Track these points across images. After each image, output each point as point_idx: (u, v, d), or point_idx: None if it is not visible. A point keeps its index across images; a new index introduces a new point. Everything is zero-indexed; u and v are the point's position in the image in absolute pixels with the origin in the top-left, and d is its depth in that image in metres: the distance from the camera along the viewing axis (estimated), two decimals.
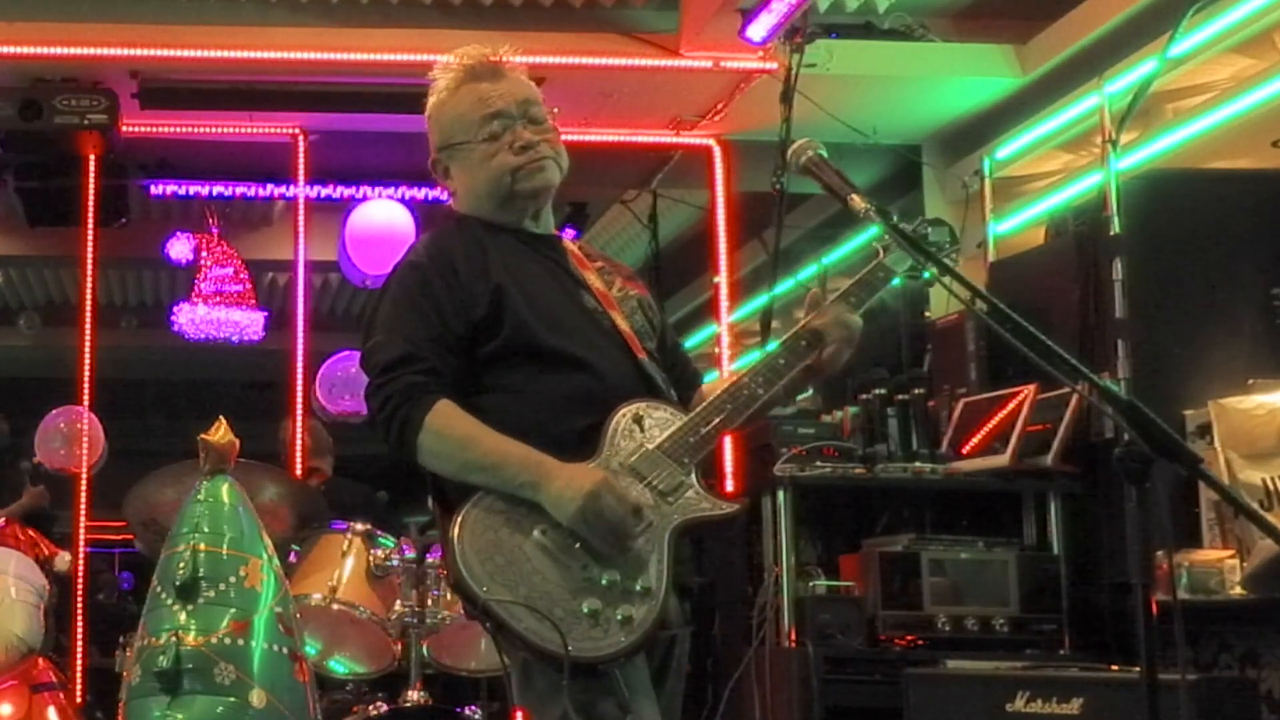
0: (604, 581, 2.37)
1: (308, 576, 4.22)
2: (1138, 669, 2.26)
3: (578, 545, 2.39)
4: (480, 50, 2.67)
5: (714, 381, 2.82)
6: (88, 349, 6.36)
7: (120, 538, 8.30)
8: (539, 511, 2.41)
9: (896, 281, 2.73)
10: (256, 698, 3.05)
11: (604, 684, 2.35)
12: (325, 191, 6.87)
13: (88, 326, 6.37)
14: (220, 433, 3.28)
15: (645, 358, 2.61)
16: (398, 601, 4.07)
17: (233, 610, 3.10)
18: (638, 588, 2.38)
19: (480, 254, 2.59)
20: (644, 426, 2.50)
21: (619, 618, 2.35)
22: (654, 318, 2.74)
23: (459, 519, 2.40)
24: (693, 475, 2.49)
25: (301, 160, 6.54)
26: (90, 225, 6.38)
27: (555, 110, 2.68)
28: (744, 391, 2.54)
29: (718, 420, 2.52)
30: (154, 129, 6.38)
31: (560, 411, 2.51)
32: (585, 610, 2.34)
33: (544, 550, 2.39)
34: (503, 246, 2.61)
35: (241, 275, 7.57)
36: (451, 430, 2.46)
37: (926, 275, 2.67)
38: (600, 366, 2.54)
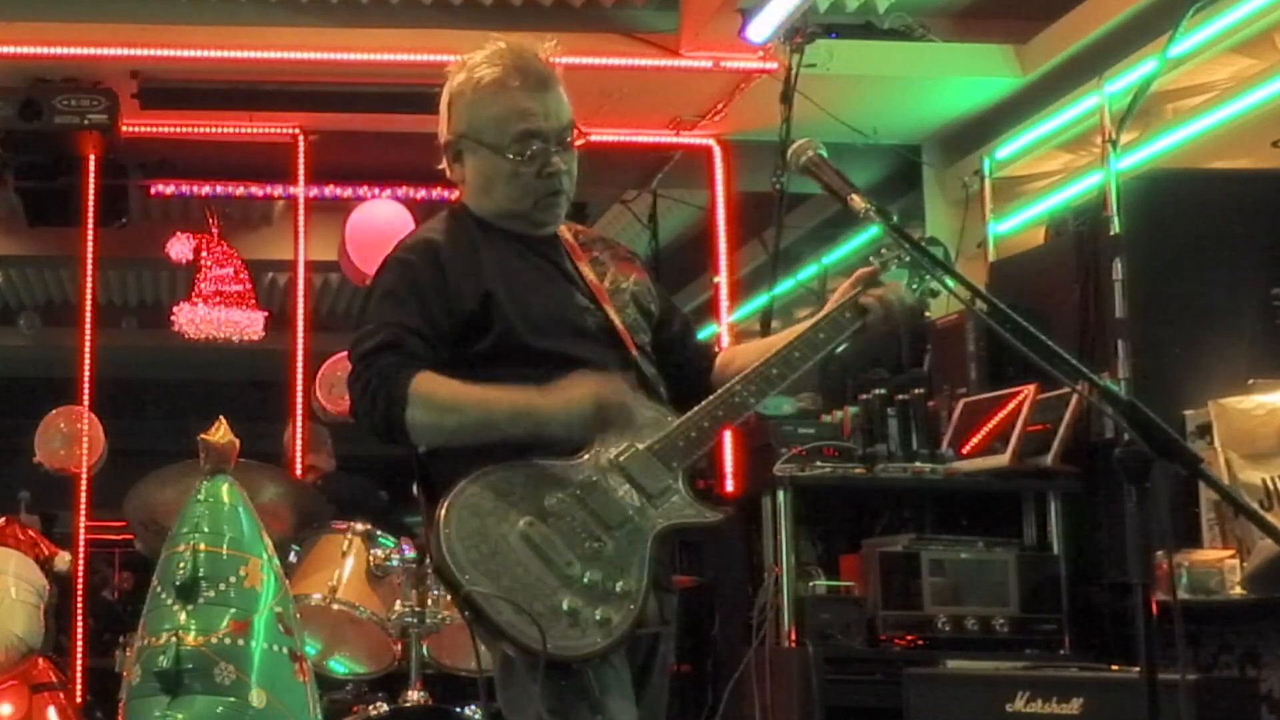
0: (585, 580, 2.37)
1: (308, 576, 4.23)
2: (1138, 669, 2.26)
3: (561, 540, 2.39)
4: (532, 47, 2.63)
5: (732, 349, 2.86)
6: (88, 349, 6.36)
7: (120, 538, 8.29)
8: (526, 502, 2.40)
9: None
10: (256, 698, 3.06)
11: (576, 684, 2.36)
12: (325, 191, 6.87)
13: (88, 326, 6.37)
14: (220, 433, 3.29)
15: (637, 354, 2.61)
16: (398, 601, 4.07)
17: (233, 610, 3.11)
18: (618, 589, 2.38)
19: (471, 253, 2.58)
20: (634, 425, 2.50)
21: (597, 618, 2.35)
22: (650, 304, 2.74)
23: (446, 504, 2.39)
24: (680, 480, 2.48)
25: (301, 160, 6.54)
26: (90, 225, 6.38)
27: (583, 129, 2.66)
28: (735, 399, 2.54)
29: (708, 425, 2.52)
30: (154, 129, 6.37)
31: None
32: (565, 608, 2.34)
33: (528, 542, 2.38)
34: (496, 246, 2.60)
35: (241, 275, 7.57)
36: (436, 396, 2.44)
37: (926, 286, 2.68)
38: (590, 365, 2.53)
